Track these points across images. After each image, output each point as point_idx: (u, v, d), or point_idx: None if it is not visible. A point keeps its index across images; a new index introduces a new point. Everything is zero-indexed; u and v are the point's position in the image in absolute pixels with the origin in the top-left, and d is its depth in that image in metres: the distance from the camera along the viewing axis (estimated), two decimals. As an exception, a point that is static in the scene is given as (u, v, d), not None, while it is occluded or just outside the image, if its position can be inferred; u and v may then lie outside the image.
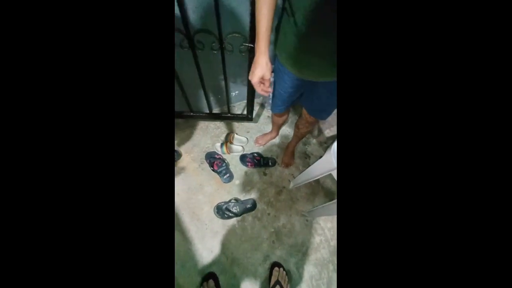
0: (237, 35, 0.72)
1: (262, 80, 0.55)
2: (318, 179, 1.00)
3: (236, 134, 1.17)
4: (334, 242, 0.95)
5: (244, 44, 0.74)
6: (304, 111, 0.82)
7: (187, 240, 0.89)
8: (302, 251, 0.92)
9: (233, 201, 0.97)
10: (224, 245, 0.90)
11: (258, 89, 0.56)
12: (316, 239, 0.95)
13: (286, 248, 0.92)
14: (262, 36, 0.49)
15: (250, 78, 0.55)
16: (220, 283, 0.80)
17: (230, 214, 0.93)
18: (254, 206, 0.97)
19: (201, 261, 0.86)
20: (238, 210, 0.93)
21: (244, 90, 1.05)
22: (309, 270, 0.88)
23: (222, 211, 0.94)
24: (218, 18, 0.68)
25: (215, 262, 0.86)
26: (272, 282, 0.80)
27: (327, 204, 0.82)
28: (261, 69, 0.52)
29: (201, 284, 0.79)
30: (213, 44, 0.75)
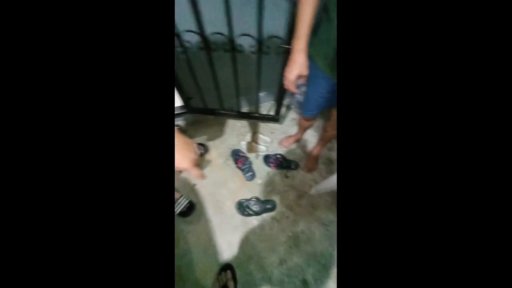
0: (275, 38, 0.74)
1: (297, 77, 0.55)
2: (344, 188, 0.95)
3: (261, 134, 1.19)
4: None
5: (282, 46, 0.76)
6: (334, 113, 0.79)
7: (209, 230, 0.93)
8: (321, 262, 0.88)
9: (254, 199, 0.98)
10: (243, 241, 0.91)
11: (292, 85, 0.57)
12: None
13: (303, 256, 0.89)
14: (303, 34, 0.49)
15: (286, 74, 0.56)
16: (237, 276, 0.82)
17: (250, 212, 0.95)
18: (273, 207, 0.97)
19: (221, 252, 0.88)
20: (258, 209, 0.94)
21: (272, 91, 1.07)
22: (328, 285, 0.84)
23: (242, 207, 0.96)
24: (260, 21, 0.71)
25: (233, 255, 0.88)
26: None
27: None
28: (299, 66, 0.53)
29: (219, 273, 0.82)
30: (252, 47, 0.78)
